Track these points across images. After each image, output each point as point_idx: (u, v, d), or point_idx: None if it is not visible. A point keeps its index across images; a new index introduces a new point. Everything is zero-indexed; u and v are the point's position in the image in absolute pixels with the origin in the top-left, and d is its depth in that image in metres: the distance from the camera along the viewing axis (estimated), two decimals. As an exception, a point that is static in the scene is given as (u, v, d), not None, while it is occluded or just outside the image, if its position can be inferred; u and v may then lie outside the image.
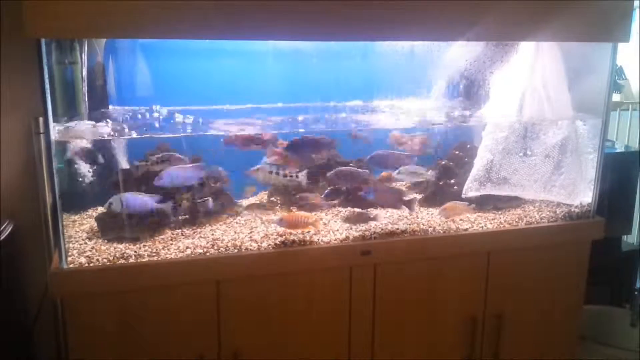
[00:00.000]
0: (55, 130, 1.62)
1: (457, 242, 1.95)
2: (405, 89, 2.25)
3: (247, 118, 2.05)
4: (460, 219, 2.03)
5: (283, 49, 2.06)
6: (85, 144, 1.81)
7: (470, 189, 2.09)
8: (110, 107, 2.03)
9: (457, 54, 2.19)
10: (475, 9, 1.76)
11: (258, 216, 1.89)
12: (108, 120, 1.84)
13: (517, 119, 2.11)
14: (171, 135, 1.91)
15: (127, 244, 1.74)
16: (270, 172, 1.72)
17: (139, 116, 1.98)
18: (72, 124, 1.76)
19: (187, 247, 1.73)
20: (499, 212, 2.12)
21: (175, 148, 1.98)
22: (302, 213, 1.85)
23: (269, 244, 1.78)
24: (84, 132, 1.74)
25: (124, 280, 1.63)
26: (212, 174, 1.86)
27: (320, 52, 2.12)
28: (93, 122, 1.80)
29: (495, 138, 2.10)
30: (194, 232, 1.85)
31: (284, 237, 1.82)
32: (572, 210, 2.14)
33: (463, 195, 2.09)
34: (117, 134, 1.79)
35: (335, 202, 2.13)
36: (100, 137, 1.76)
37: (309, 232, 1.82)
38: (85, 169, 1.85)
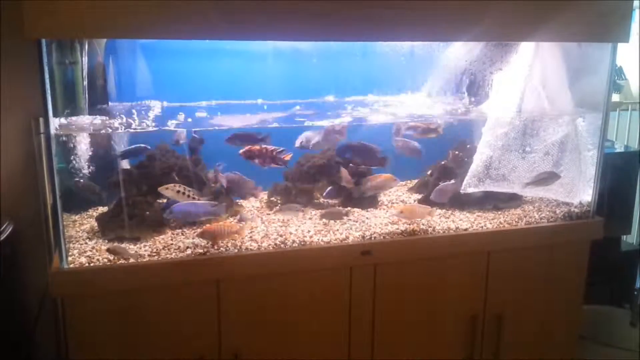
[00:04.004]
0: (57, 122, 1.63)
1: (457, 242, 1.95)
2: (404, 87, 2.26)
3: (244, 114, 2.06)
4: (423, 223, 1.97)
5: (282, 49, 2.06)
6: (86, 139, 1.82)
7: (469, 185, 2.09)
8: (110, 103, 2.03)
9: (457, 53, 2.19)
10: (475, 9, 1.76)
11: None
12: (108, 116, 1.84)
13: (517, 115, 2.11)
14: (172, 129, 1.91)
15: (128, 244, 1.74)
16: (178, 192, 1.79)
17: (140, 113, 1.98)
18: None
19: (187, 247, 1.73)
20: (499, 212, 2.13)
21: (174, 148, 1.99)
22: (227, 222, 1.82)
23: (269, 244, 1.79)
24: (85, 125, 1.75)
25: (124, 280, 1.63)
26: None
27: (320, 52, 2.12)
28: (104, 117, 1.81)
29: (495, 134, 2.10)
30: (194, 232, 1.85)
31: (284, 237, 1.82)
32: (572, 210, 2.14)
33: (462, 191, 2.09)
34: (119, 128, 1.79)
35: (336, 201, 2.14)
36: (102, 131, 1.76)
37: (234, 240, 1.77)
38: (83, 165, 1.84)
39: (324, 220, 1.97)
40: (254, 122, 1.98)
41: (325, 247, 1.81)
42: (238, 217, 1.95)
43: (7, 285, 1.88)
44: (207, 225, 1.75)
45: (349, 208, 2.09)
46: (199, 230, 1.76)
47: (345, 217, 2.00)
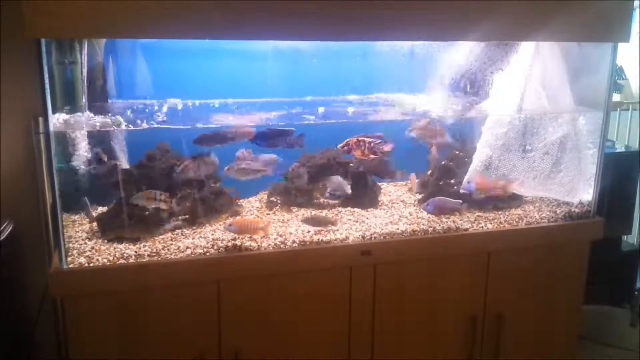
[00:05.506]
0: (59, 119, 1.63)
1: (457, 242, 1.95)
2: (404, 86, 2.26)
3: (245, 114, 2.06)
4: (262, 238, 1.82)
5: (282, 48, 2.06)
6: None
7: None
8: (109, 102, 2.02)
9: (457, 53, 2.19)
10: (475, 9, 1.76)
11: None
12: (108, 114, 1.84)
13: (517, 115, 2.11)
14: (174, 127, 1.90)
15: (127, 244, 1.74)
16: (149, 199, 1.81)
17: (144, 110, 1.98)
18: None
19: (187, 247, 1.73)
20: (499, 212, 2.12)
21: (175, 148, 1.99)
22: (253, 218, 1.87)
23: (269, 244, 1.78)
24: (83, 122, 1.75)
25: (124, 280, 1.63)
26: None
27: (320, 51, 2.12)
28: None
29: (495, 134, 2.10)
30: (194, 232, 1.85)
31: (283, 237, 1.82)
32: (572, 210, 2.14)
33: (462, 191, 2.09)
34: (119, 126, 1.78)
35: (337, 201, 2.13)
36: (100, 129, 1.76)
37: (258, 236, 1.79)
38: (82, 164, 1.84)
39: (304, 225, 1.89)
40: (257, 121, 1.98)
41: (325, 247, 1.81)
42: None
43: (7, 285, 1.88)
44: (237, 218, 1.84)
45: (337, 217, 2.00)
46: (228, 222, 1.81)
47: (330, 226, 1.89)
